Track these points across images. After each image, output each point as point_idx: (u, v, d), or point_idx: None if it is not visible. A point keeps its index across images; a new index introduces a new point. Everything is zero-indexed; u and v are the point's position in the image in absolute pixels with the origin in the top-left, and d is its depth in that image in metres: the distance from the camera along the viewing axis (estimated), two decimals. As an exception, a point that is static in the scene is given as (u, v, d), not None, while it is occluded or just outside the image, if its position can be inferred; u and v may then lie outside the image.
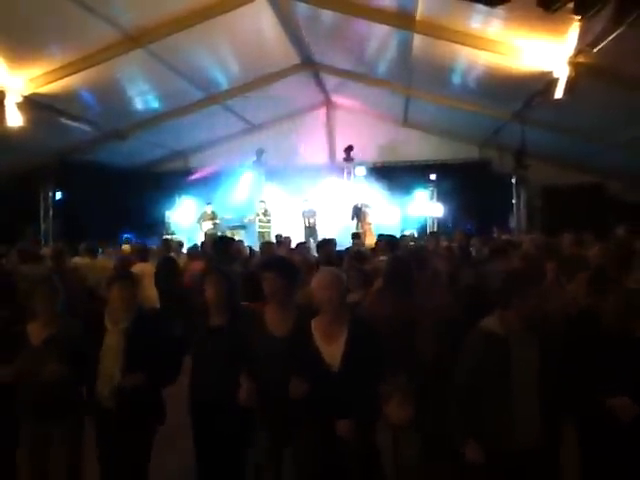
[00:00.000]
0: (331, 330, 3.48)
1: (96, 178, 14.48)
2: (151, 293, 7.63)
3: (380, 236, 9.12)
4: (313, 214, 16.05)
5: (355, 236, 12.30)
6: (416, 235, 14.33)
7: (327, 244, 8.22)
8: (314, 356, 3.44)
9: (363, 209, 15.75)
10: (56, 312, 4.05)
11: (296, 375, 3.39)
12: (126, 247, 10.75)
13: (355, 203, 15.82)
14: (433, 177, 16.21)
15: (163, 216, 16.83)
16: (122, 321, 3.88)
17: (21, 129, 10.02)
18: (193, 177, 17.40)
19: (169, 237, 15.53)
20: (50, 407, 3.86)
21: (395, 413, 3.46)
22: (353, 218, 15.77)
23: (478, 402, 3.30)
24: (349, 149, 16.27)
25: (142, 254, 8.48)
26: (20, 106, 9.79)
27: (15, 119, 9.76)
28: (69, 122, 11.88)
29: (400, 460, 4.05)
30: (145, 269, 7.92)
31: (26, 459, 3.97)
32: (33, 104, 10.23)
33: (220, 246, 7.56)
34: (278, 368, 3.54)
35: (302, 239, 13.13)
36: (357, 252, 7.68)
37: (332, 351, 3.43)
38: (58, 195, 14.40)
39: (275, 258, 5.44)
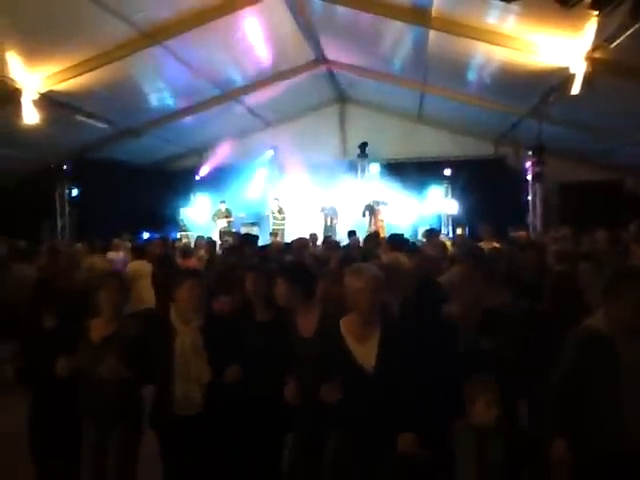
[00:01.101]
0: (363, 330, 3.35)
1: (111, 175, 14.60)
2: (147, 292, 7.40)
3: (391, 235, 9.08)
4: (334, 213, 16.03)
5: (351, 233, 12.24)
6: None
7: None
8: (346, 358, 3.32)
9: (375, 207, 15.71)
10: (119, 310, 3.99)
11: (328, 378, 3.28)
12: (125, 244, 10.58)
13: (367, 201, 15.78)
14: (447, 172, 16.13)
15: (178, 213, 16.91)
16: (194, 320, 3.80)
17: (37, 126, 10.09)
18: (204, 172, 17.44)
19: (184, 234, 15.73)
20: (108, 406, 3.80)
21: (480, 414, 3.30)
22: (364, 215, 15.74)
23: (577, 402, 3.22)
24: (363, 146, 16.24)
25: (138, 253, 8.40)
26: (36, 103, 9.87)
27: (31, 116, 9.83)
28: (85, 119, 11.95)
29: (484, 463, 3.83)
30: (142, 268, 7.82)
31: (88, 457, 3.92)
32: (49, 101, 10.31)
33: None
34: (307, 369, 3.53)
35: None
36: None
37: (365, 352, 3.31)
38: (74, 192, 14.52)
39: (291, 263, 5.41)
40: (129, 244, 10.45)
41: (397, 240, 7.82)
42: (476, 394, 3.31)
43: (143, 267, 7.87)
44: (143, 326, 4.00)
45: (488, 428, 3.28)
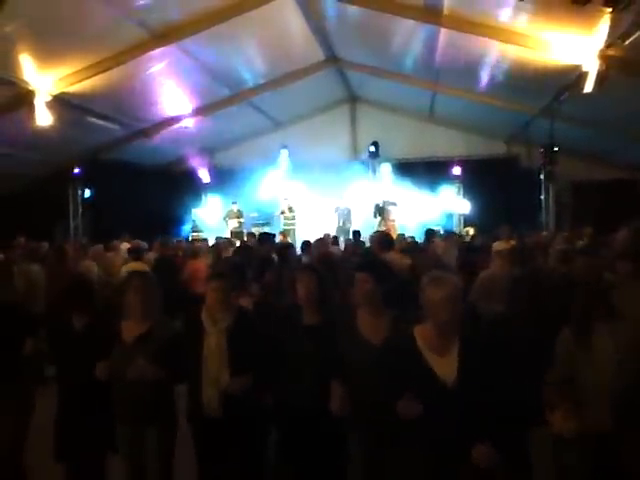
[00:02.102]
0: (441, 342, 3.13)
1: (124, 176, 14.66)
2: None
3: (399, 236, 9.12)
4: (348, 213, 16.02)
5: (356, 234, 12.20)
6: (442, 232, 14.24)
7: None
8: (424, 371, 3.09)
9: (386, 207, 15.68)
10: (150, 310, 3.90)
11: (404, 391, 3.02)
12: (124, 245, 10.42)
13: (377, 201, 15.76)
14: (459, 172, 16.10)
15: (190, 214, 16.96)
16: (222, 321, 3.73)
17: (50, 128, 10.17)
18: (205, 175, 17.50)
19: (195, 235, 15.78)
20: (141, 407, 3.75)
21: (560, 423, 3.15)
22: (375, 216, 15.72)
23: None
24: (374, 145, 16.22)
25: (136, 254, 8.30)
26: (49, 105, 9.93)
27: (44, 118, 9.90)
28: (97, 121, 12.03)
29: (563, 473, 3.64)
30: (137, 270, 7.68)
31: (124, 458, 3.88)
32: (62, 103, 10.39)
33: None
34: (372, 377, 3.29)
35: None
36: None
37: (445, 365, 3.09)
38: (87, 193, 14.61)
39: (372, 259, 5.16)
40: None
41: (386, 240, 7.88)
42: (556, 402, 3.18)
43: (138, 269, 7.51)
44: (172, 326, 3.97)
45: (567, 438, 3.16)
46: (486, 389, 2.98)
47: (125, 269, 7.81)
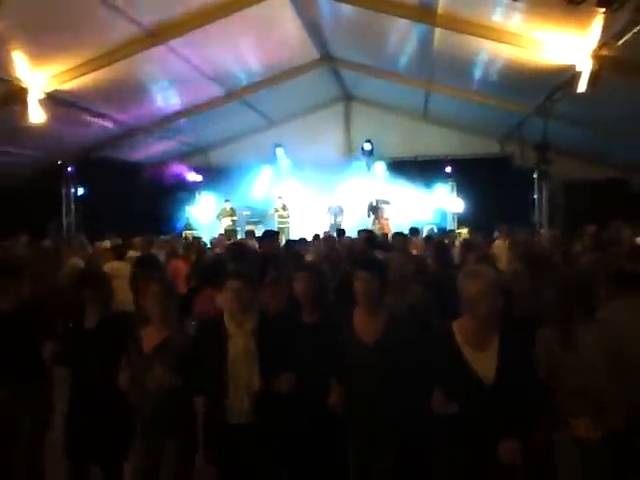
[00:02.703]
0: (480, 337, 3.06)
1: (117, 174, 14.62)
2: (123, 294, 6.82)
3: (395, 234, 9.15)
4: (341, 212, 16.03)
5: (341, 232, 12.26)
6: (435, 230, 14.28)
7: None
8: (463, 367, 3.01)
9: (379, 205, 15.70)
10: (168, 316, 3.81)
11: (439, 388, 2.98)
12: (105, 244, 10.37)
13: (370, 200, 15.78)
14: (451, 171, 16.14)
15: (183, 212, 16.94)
16: (247, 322, 3.60)
17: (43, 126, 10.11)
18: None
19: (188, 233, 15.75)
20: (159, 417, 3.65)
21: (586, 428, 3.12)
22: (369, 215, 15.74)
23: None
24: (368, 144, 16.22)
25: (118, 252, 8.19)
26: (42, 103, 9.87)
27: (37, 116, 9.83)
28: (91, 119, 11.97)
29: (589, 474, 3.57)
30: (119, 268, 7.50)
31: (138, 467, 3.77)
32: (55, 101, 10.32)
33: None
34: (366, 377, 3.36)
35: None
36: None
37: (484, 361, 3.01)
38: (80, 191, 14.57)
39: (371, 258, 5.12)
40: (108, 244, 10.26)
41: (371, 238, 7.93)
42: (582, 407, 3.14)
43: (121, 268, 7.53)
44: (193, 336, 3.89)
45: (594, 443, 3.12)
46: (523, 386, 2.95)
47: (107, 267, 7.70)
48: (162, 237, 11.89)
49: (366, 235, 9.08)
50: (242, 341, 3.56)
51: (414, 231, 11.01)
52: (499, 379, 2.97)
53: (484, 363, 3.00)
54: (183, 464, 3.73)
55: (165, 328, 3.77)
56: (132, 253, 9.07)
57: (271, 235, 7.88)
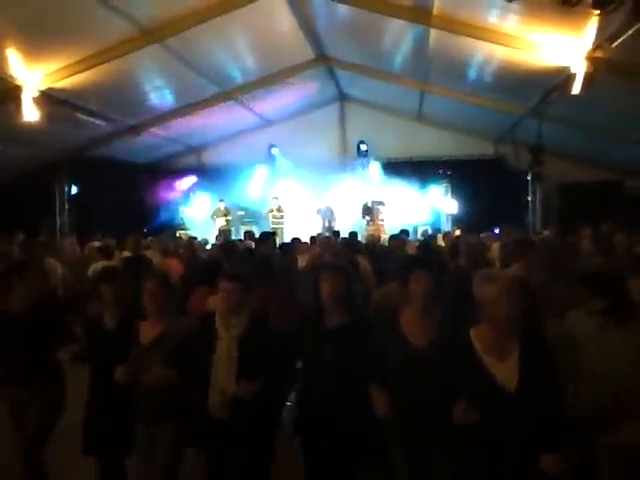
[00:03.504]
0: (499, 344, 2.93)
1: (111, 173, 14.57)
2: None
3: (392, 237, 9.18)
4: (331, 213, 16.00)
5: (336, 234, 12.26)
6: (430, 232, 14.29)
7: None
8: (482, 376, 2.90)
9: (374, 207, 15.69)
10: (164, 311, 3.83)
11: (458, 396, 2.86)
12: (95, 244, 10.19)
13: (365, 202, 15.77)
14: (446, 172, 16.17)
15: (177, 212, 16.90)
16: (235, 327, 3.59)
17: (37, 124, 10.08)
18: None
19: (182, 232, 15.72)
20: (155, 410, 3.71)
21: (633, 433, 3.04)
22: (364, 216, 15.74)
23: None
24: (363, 144, 16.22)
25: (106, 253, 8.10)
26: (36, 101, 9.84)
27: (31, 114, 9.81)
28: (84, 117, 11.93)
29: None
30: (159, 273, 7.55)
31: (140, 459, 3.84)
32: (49, 99, 10.28)
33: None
34: (416, 380, 3.18)
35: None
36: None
37: (505, 369, 2.89)
38: (74, 190, 14.53)
39: (428, 256, 4.92)
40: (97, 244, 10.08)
41: (351, 241, 7.89)
42: (628, 411, 3.05)
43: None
44: (188, 328, 3.86)
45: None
46: (547, 395, 2.85)
47: (93, 268, 7.65)
48: (160, 236, 11.87)
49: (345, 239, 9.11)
50: (226, 345, 3.56)
51: (404, 233, 11.05)
52: (522, 387, 2.85)
53: (506, 371, 2.89)
54: (174, 452, 3.78)
55: (161, 322, 3.81)
56: (126, 253, 9.05)
57: (267, 237, 7.89)
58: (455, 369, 2.97)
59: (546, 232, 10.67)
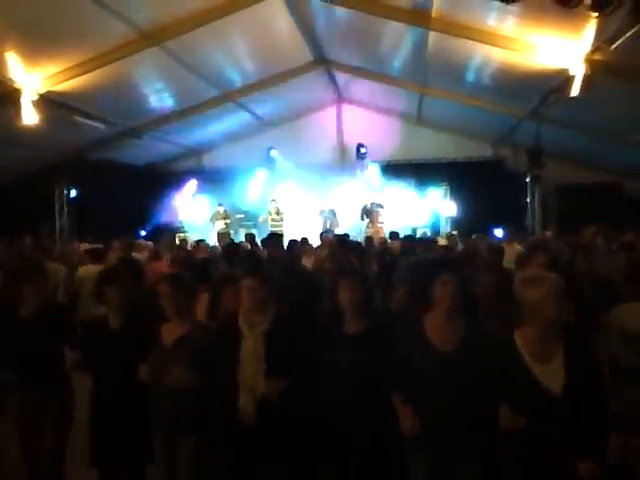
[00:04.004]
0: (544, 347, 2.88)
1: (110, 176, 14.55)
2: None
3: (391, 234, 9.21)
4: (333, 215, 16.01)
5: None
6: (429, 234, 14.29)
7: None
8: (527, 379, 2.85)
9: (374, 209, 15.70)
10: (184, 313, 3.78)
11: (499, 401, 2.83)
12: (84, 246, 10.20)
13: (365, 204, 15.77)
14: (444, 174, 16.20)
15: (176, 215, 16.88)
16: (259, 325, 3.53)
17: (37, 127, 10.07)
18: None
19: (181, 235, 15.70)
20: (176, 418, 3.61)
21: None
22: (363, 219, 15.74)
23: None
24: (362, 147, 16.23)
25: (96, 256, 7.98)
26: (36, 104, 9.84)
27: (31, 117, 9.80)
28: (84, 120, 11.92)
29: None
30: (93, 271, 6.98)
31: (159, 466, 3.75)
32: (48, 102, 10.28)
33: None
34: (444, 387, 3.07)
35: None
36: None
37: (550, 372, 2.84)
38: (73, 193, 14.52)
39: (451, 257, 4.84)
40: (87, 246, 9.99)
41: (342, 239, 7.89)
42: None
43: (95, 271, 7.31)
44: (212, 329, 3.82)
45: None
46: (592, 396, 2.81)
47: (82, 271, 7.58)
48: (159, 239, 11.88)
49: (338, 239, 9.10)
50: (252, 343, 3.48)
51: (394, 235, 11.11)
52: (568, 391, 2.81)
53: (551, 375, 2.84)
54: (199, 462, 3.67)
55: (184, 323, 3.76)
56: (112, 256, 9.02)
57: (274, 238, 7.91)
58: (495, 372, 2.92)
59: (548, 233, 10.62)
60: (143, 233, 15.23)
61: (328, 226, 15.70)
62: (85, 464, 3.94)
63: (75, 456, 4.17)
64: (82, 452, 3.97)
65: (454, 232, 13.95)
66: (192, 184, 16.91)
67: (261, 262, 5.57)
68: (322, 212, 16.04)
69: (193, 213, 16.98)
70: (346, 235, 10.62)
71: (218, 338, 3.66)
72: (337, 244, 8.16)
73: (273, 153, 16.63)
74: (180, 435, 3.65)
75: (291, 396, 3.39)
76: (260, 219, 16.29)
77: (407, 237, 10.08)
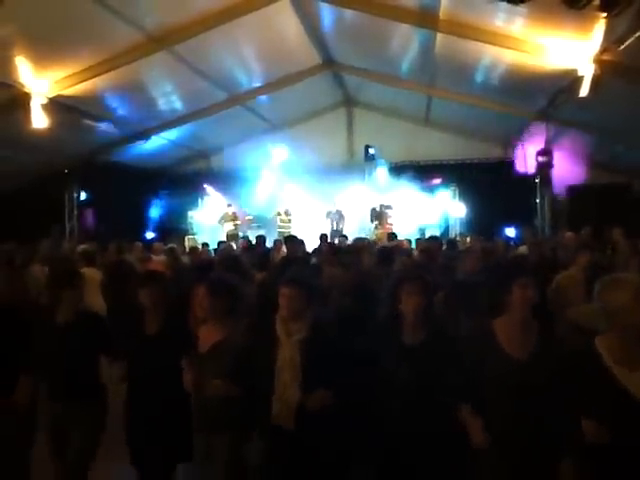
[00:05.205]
0: (631, 352, 2.72)
1: (120, 179, 14.64)
2: (95, 301, 6.58)
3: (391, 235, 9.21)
4: (340, 217, 16.01)
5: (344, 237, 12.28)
6: (438, 236, 14.26)
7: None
8: (614, 387, 2.68)
9: (383, 211, 15.69)
10: (223, 315, 3.70)
11: (589, 412, 2.68)
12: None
13: (374, 206, 15.77)
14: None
15: (186, 216, 16.96)
16: (297, 332, 3.41)
17: (46, 130, 10.14)
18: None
19: (191, 237, 15.78)
20: (213, 420, 3.59)
21: None
22: (372, 220, 15.74)
23: None
24: (370, 149, 16.23)
25: (89, 258, 7.87)
26: (45, 108, 9.91)
27: (40, 121, 9.88)
28: (93, 123, 12.00)
29: None
30: (89, 275, 6.90)
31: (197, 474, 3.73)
32: (58, 106, 10.35)
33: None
34: (519, 398, 2.89)
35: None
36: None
37: (637, 379, 2.67)
38: (83, 195, 14.61)
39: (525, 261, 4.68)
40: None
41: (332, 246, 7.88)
42: None
43: (88, 274, 6.85)
44: (247, 335, 3.70)
45: None
46: None
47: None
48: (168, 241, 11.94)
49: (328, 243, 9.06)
50: (289, 352, 3.38)
51: (393, 237, 11.17)
52: None
53: (638, 381, 2.67)
54: (233, 461, 3.62)
55: (221, 328, 3.68)
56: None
57: (295, 239, 8.02)
58: (576, 382, 2.77)
59: (569, 234, 10.52)
60: (152, 235, 15.30)
61: (335, 227, 15.73)
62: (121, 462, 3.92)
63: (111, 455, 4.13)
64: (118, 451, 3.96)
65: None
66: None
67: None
68: (329, 213, 16.07)
69: (202, 215, 17.05)
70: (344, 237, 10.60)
71: (254, 345, 3.57)
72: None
73: (282, 155, 16.64)
74: (216, 437, 3.61)
75: (331, 407, 3.26)
76: (271, 215, 16.30)
77: (432, 238, 10.00)
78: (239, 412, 3.56)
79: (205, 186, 17.24)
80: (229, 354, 3.54)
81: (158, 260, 9.16)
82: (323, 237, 11.14)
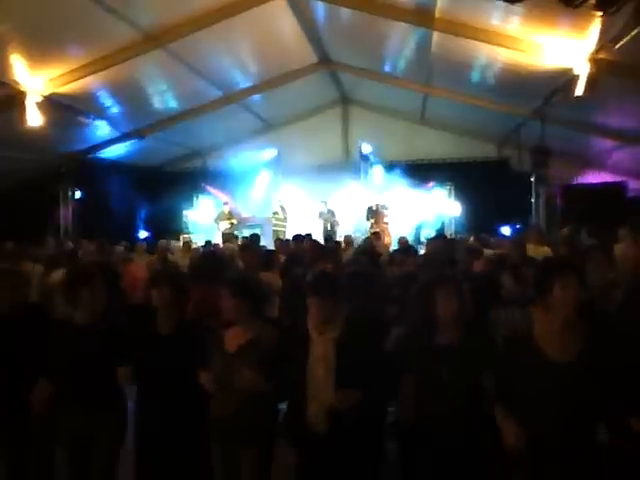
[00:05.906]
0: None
1: (115, 177, 14.61)
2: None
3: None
4: (333, 216, 15.99)
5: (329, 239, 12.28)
6: (434, 235, 14.25)
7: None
8: None
9: (379, 210, 15.68)
10: (250, 316, 3.61)
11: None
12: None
13: (370, 204, 15.77)
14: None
15: (181, 215, 16.93)
16: (330, 330, 3.34)
17: (41, 129, 10.11)
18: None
19: (186, 236, 15.72)
20: (241, 424, 3.45)
21: None
22: (368, 219, 15.72)
23: None
24: (366, 147, 16.22)
25: (70, 258, 7.73)
26: (40, 106, 9.87)
27: (35, 119, 9.83)
28: (88, 122, 11.96)
29: None
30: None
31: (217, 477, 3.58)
32: (53, 104, 10.31)
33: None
34: (555, 403, 2.75)
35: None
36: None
37: None
38: (78, 194, 14.56)
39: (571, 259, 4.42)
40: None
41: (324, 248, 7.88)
42: None
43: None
44: (277, 334, 3.61)
45: None
46: None
47: (55, 275, 7.19)
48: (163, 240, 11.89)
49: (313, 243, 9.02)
50: (322, 349, 3.30)
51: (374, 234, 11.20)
52: None
53: None
54: (259, 471, 3.52)
55: (250, 328, 3.60)
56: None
57: (301, 238, 8.14)
58: (625, 385, 2.64)
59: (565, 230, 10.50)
60: (145, 234, 15.27)
61: (329, 227, 15.71)
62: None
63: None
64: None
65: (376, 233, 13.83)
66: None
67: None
68: (321, 214, 16.03)
69: (198, 214, 17.02)
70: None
71: (286, 344, 3.50)
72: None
73: (278, 153, 16.62)
74: (239, 444, 3.51)
75: (364, 407, 3.18)
76: (265, 215, 16.27)
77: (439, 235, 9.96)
78: (268, 415, 3.49)
79: (201, 184, 17.20)
80: (259, 353, 3.47)
81: (139, 263, 8.95)
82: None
